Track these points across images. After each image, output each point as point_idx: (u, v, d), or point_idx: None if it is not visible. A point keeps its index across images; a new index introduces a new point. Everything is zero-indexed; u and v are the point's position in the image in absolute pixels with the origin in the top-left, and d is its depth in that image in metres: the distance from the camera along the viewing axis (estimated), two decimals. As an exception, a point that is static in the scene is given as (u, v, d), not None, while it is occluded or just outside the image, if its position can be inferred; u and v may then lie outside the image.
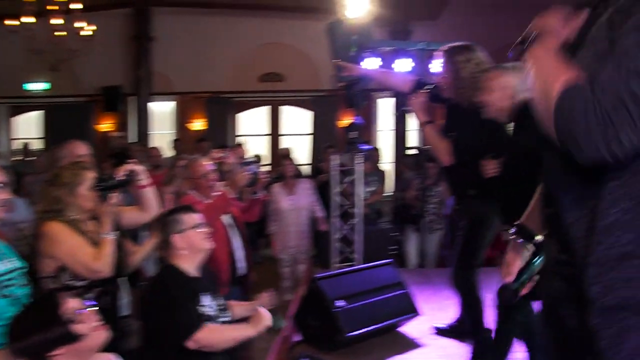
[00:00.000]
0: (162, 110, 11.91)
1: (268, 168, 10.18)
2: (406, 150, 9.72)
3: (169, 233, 2.70)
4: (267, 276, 6.57)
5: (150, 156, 7.23)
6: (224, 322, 2.75)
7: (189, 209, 2.86)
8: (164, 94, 11.55)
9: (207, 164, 3.82)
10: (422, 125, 3.49)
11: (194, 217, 2.76)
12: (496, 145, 3.19)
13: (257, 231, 6.50)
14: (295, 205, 6.11)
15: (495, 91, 2.96)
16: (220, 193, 3.67)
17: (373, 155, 8.28)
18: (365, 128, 10.84)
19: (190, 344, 2.49)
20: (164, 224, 2.75)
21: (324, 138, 10.60)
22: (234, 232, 3.91)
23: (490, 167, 3.11)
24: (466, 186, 3.54)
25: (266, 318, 2.73)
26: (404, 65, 7.53)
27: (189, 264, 2.71)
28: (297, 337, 4.16)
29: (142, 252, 3.13)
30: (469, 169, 3.32)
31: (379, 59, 6.94)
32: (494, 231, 3.51)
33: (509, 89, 2.92)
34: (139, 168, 2.95)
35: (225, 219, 3.81)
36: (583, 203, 1.31)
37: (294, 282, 6.11)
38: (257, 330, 2.70)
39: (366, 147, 5.87)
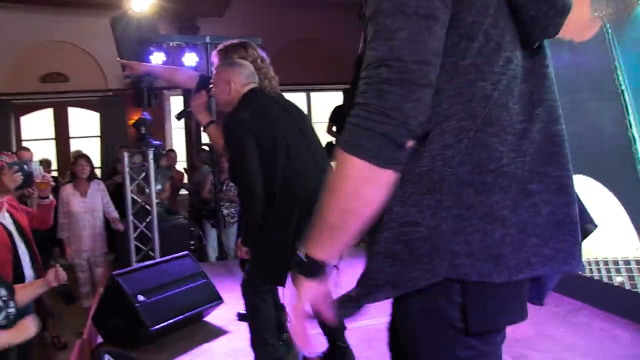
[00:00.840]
0: None
1: (55, 173, 9.66)
2: (201, 146, 9.76)
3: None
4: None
5: None
6: (7, 315, 2.66)
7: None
8: None
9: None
10: (205, 126, 3.41)
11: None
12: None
13: (49, 238, 6.15)
14: (88, 207, 5.89)
15: (218, 85, 3.14)
16: None
17: (161, 153, 8.25)
18: (158, 126, 10.74)
19: None
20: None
21: (114, 139, 10.33)
22: (18, 236, 3.69)
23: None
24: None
25: (31, 326, 2.67)
26: (189, 60, 7.60)
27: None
28: (98, 340, 4.07)
29: None
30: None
31: (164, 55, 6.94)
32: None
33: (229, 82, 3.10)
34: None
35: (6, 222, 3.58)
36: None
37: (92, 287, 5.89)
38: (21, 337, 2.64)
39: (156, 142, 5.80)
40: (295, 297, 1.28)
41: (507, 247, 1.20)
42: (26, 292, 2.97)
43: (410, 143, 1.15)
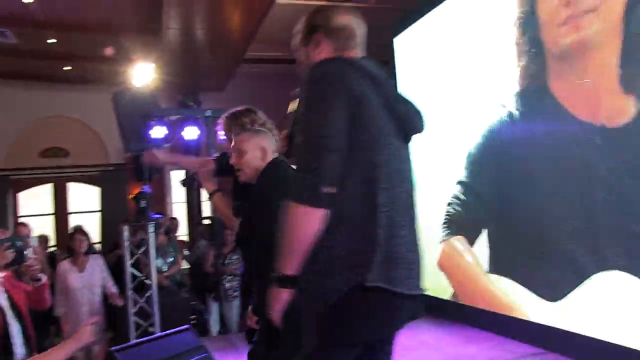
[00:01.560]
0: None
1: (54, 248, 9.56)
2: (201, 220, 9.71)
3: None
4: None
5: None
6: None
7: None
8: None
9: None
10: (210, 195, 3.36)
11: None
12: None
13: (45, 316, 6.00)
14: (86, 283, 5.75)
15: (249, 152, 2.95)
16: None
17: (169, 225, 8.21)
18: (159, 200, 10.73)
19: None
20: None
21: (114, 214, 10.27)
22: (12, 315, 3.57)
23: None
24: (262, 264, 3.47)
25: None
26: (190, 134, 7.66)
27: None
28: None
29: None
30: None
31: (165, 128, 6.98)
32: None
33: (260, 150, 2.95)
34: None
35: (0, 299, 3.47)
36: None
37: (88, 366, 5.70)
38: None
39: (157, 215, 5.76)
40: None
41: None
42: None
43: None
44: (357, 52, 2.03)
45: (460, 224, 5.45)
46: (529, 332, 4.81)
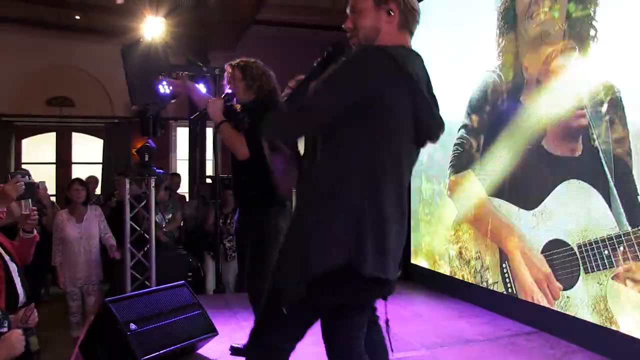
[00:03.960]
0: None
1: (54, 198, 9.63)
2: (204, 179, 9.75)
3: None
4: (54, 315, 6.22)
5: None
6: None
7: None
8: None
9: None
10: (219, 125, 3.61)
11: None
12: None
13: (41, 265, 6.05)
14: (84, 233, 5.81)
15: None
16: None
17: (170, 181, 8.24)
18: (163, 157, 10.78)
19: None
20: None
21: (117, 167, 10.33)
22: (8, 257, 3.60)
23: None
24: (250, 187, 3.71)
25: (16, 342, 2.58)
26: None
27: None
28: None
29: None
30: (257, 165, 3.51)
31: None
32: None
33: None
34: None
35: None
36: None
37: (82, 317, 5.78)
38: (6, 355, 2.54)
39: (159, 171, 5.75)
40: None
41: None
42: None
43: None
44: (410, 39, 2.14)
45: (466, 160, 5.93)
46: (523, 311, 4.91)
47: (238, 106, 3.82)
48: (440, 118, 2.09)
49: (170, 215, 7.46)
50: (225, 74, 3.84)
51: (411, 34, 2.14)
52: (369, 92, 1.91)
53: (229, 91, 3.76)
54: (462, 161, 5.95)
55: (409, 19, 2.09)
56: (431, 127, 2.07)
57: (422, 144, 2.12)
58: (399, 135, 1.99)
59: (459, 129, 5.96)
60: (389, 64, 1.91)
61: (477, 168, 5.69)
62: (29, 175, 3.47)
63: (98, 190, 9.80)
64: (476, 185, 5.70)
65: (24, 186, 3.35)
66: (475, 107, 5.77)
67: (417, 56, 2.09)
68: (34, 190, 3.48)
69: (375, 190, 1.93)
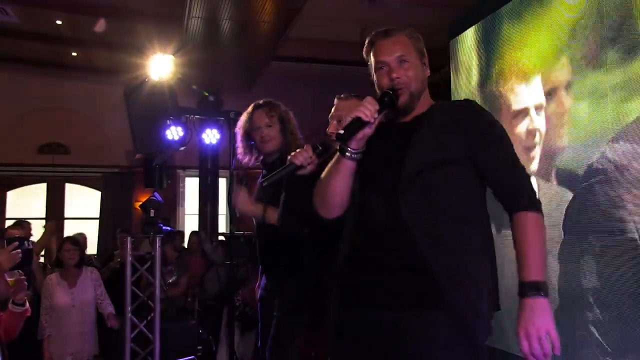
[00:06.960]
0: None
1: (42, 259, 9.34)
2: (217, 237, 9.52)
3: None
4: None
5: None
6: None
7: None
8: None
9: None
10: (265, 212, 3.24)
11: None
12: None
13: (25, 341, 5.71)
14: (77, 300, 5.51)
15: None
16: None
17: (176, 240, 8.00)
18: (170, 210, 10.56)
19: None
20: None
21: (116, 223, 10.22)
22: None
23: None
24: (279, 253, 3.34)
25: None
26: (210, 137, 7.45)
27: None
28: None
29: None
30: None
31: (181, 129, 6.80)
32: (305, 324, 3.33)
33: None
34: None
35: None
36: None
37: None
38: None
39: (167, 228, 5.53)
40: None
41: None
42: None
43: None
44: None
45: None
46: None
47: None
48: None
49: (171, 280, 7.15)
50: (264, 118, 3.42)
51: None
52: None
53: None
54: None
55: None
56: None
57: None
58: None
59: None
60: None
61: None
62: (28, 241, 3.20)
63: (93, 250, 9.55)
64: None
65: (20, 255, 3.08)
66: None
67: None
68: (31, 258, 3.21)
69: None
